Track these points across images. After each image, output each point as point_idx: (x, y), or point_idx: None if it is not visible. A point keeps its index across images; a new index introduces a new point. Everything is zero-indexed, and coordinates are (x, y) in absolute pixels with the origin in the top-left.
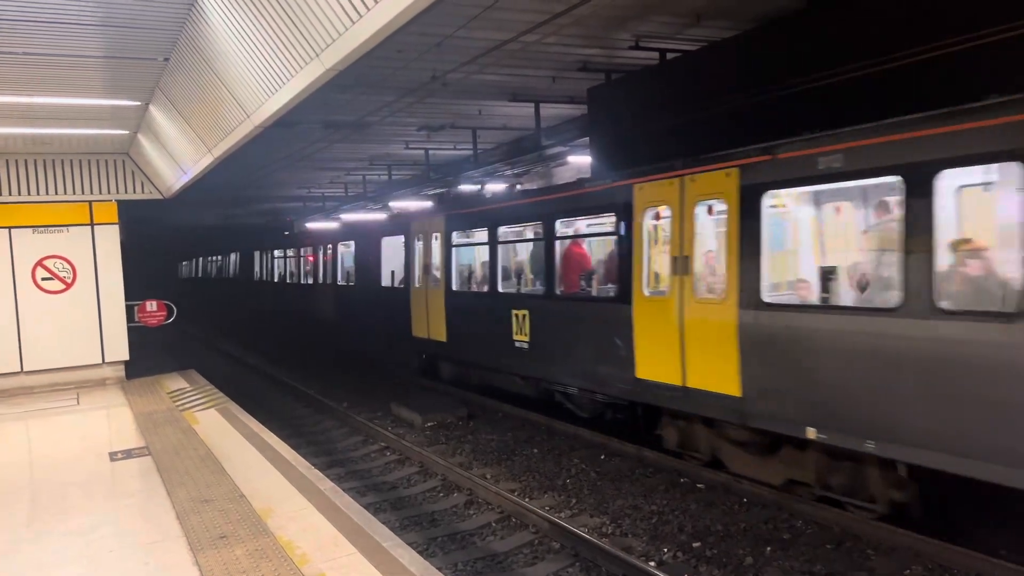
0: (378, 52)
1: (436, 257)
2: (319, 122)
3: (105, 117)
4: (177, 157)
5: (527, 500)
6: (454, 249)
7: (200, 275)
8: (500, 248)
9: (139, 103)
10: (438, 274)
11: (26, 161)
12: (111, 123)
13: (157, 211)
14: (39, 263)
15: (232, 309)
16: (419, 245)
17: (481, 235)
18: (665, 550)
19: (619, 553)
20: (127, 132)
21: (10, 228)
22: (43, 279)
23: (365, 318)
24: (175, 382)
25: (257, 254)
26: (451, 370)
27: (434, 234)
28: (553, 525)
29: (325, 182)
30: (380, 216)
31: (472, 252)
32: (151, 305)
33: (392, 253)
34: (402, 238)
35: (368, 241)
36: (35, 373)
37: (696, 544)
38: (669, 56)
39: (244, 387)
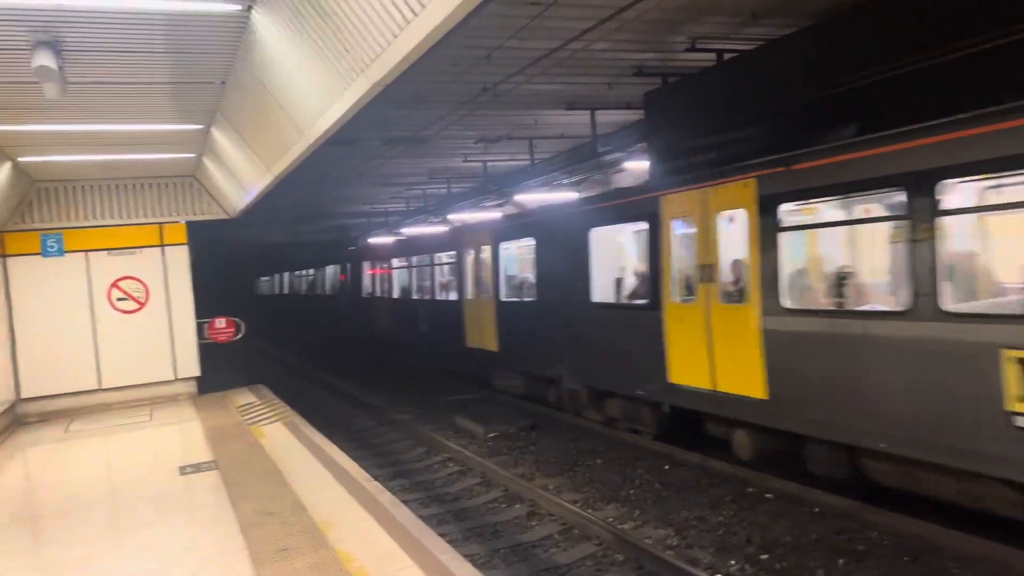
0: (429, 66)
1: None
2: (379, 138)
3: (172, 141)
4: (240, 177)
5: (590, 511)
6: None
7: (272, 292)
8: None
9: (202, 126)
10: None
11: (99, 186)
12: (177, 147)
13: (226, 230)
14: (114, 284)
15: (300, 325)
16: (470, 257)
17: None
18: (732, 563)
19: (685, 566)
20: (193, 155)
21: (87, 251)
22: (118, 299)
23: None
24: (244, 397)
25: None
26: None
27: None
28: (617, 537)
29: (387, 197)
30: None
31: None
32: (220, 322)
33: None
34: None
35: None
36: (112, 390)
37: (764, 556)
38: (726, 56)
39: (312, 400)
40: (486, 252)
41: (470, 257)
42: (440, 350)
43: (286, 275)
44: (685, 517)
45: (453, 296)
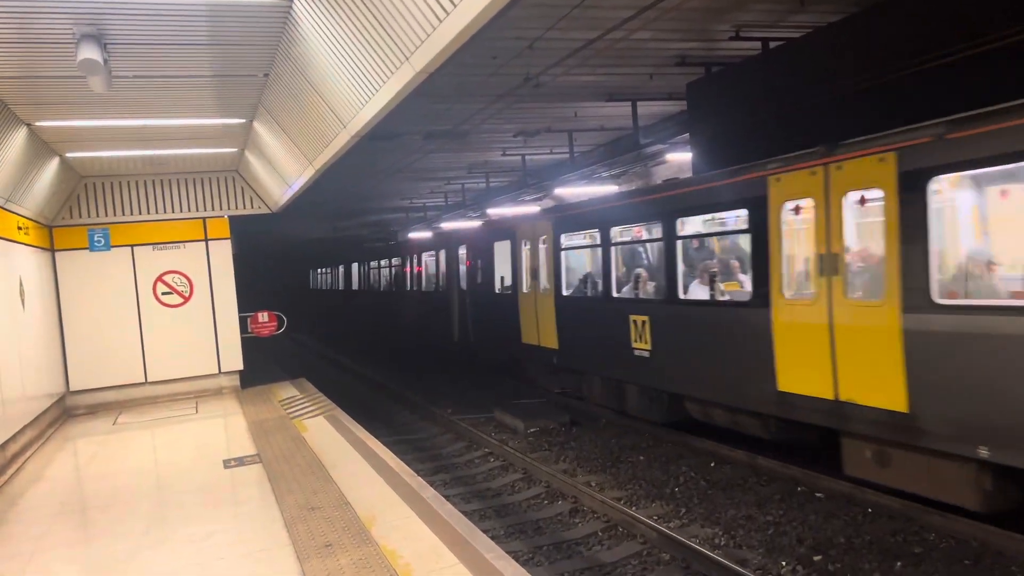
0: (470, 57)
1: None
2: (419, 132)
3: (214, 136)
4: (282, 171)
5: (634, 509)
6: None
7: (330, 286)
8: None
9: (244, 120)
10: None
11: (144, 182)
12: (220, 142)
13: (270, 224)
14: (159, 278)
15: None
16: (526, 250)
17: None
18: (783, 563)
19: (734, 566)
20: (235, 150)
21: (132, 246)
22: (163, 294)
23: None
24: (286, 391)
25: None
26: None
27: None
28: (662, 535)
29: (426, 192)
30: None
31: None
32: (263, 316)
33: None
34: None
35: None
36: (158, 384)
37: (817, 558)
38: (772, 45)
39: (355, 394)
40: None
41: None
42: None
43: (353, 267)
44: (733, 516)
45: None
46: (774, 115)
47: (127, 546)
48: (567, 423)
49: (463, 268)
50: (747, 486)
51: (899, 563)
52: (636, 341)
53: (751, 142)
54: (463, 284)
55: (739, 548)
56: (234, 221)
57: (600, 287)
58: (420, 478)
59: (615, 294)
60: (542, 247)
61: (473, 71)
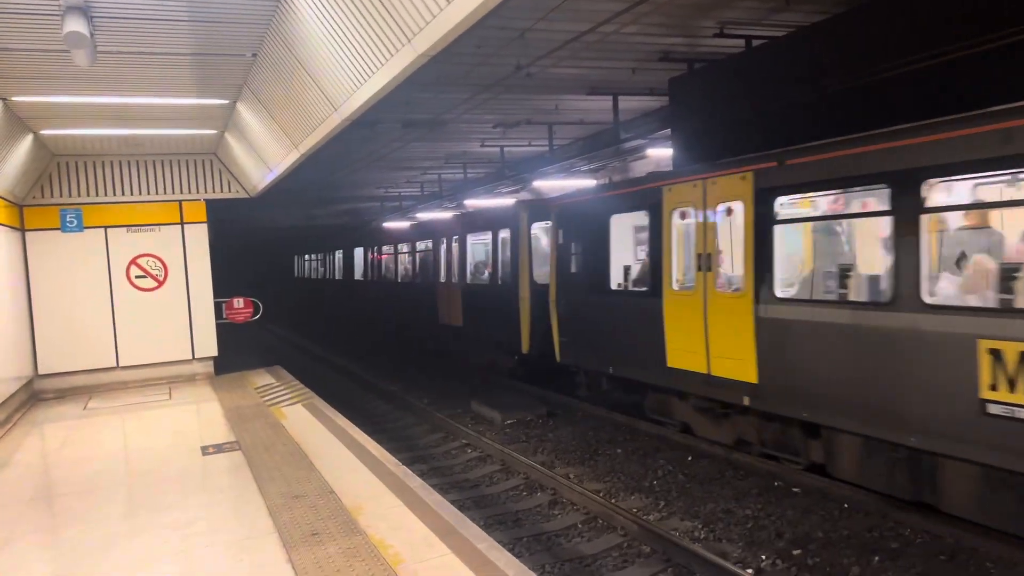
0: (455, 46)
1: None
2: (398, 121)
3: (195, 116)
4: (264, 155)
5: (613, 501)
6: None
7: (325, 274)
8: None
9: (227, 101)
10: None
11: (120, 162)
12: (200, 123)
13: (247, 209)
14: (133, 261)
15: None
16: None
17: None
18: (763, 557)
19: (715, 559)
20: (215, 132)
21: (106, 228)
22: (137, 277)
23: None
24: (262, 378)
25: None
26: None
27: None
28: (642, 528)
29: (402, 181)
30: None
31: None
32: (238, 302)
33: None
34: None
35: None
36: (130, 368)
37: (796, 551)
38: (755, 43)
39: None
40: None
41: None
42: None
43: (354, 253)
44: (712, 509)
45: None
46: (755, 112)
47: (105, 533)
48: (544, 415)
49: (538, 253)
50: (724, 480)
51: (876, 558)
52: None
53: (732, 138)
54: (537, 274)
55: (719, 541)
56: (211, 205)
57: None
58: (406, 468)
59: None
60: (727, 221)
61: (458, 61)
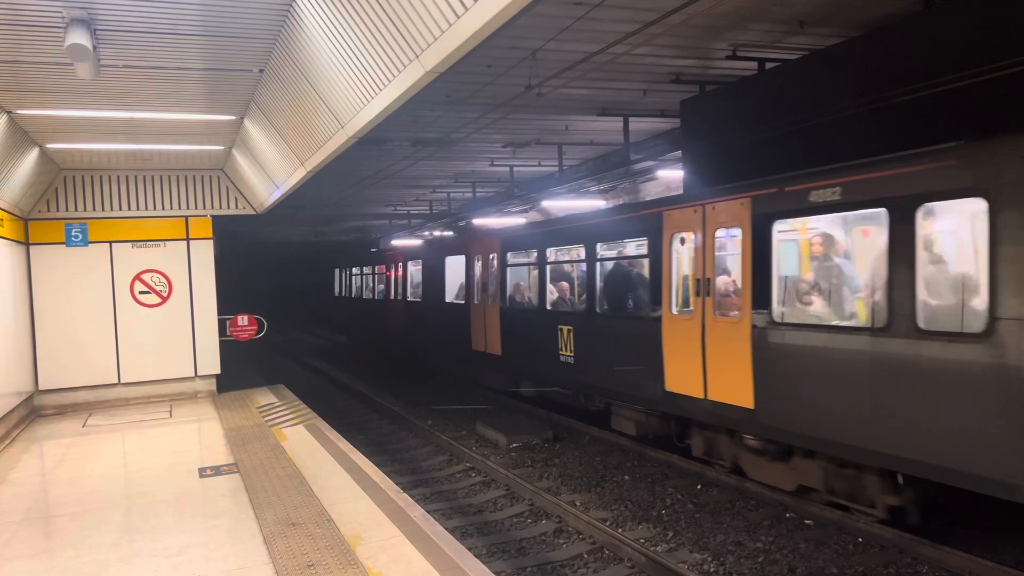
0: (466, 66)
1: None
2: (407, 139)
3: (202, 132)
4: (270, 172)
5: (620, 531)
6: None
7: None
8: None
9: (235, 117)
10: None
11: (127, 177)
12: (207, 139)
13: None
14: (137, 277)
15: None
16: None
17: None
18: None
19: None
20: (222, 148)
21: (111, 242)
22: (140, 292)
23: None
24: (264, 397)
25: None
26: None
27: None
28: (650, 560)
29: (411, 199)
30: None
31: None
32: (242, 319)
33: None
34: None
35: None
36: (131, 385)
37: None
38: (768, 66)
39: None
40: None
41: None
42: None
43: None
44: (722, 541)
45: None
46: (769, 134)
47: (96, 558)
48: (550, 438)
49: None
50: (735, 510)
51: None
52: None
53: (745, 161)
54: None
55: (729, 575)
56: (218, 220)
57: None
58: (407, 496)
59: None
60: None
61: (468, 80)
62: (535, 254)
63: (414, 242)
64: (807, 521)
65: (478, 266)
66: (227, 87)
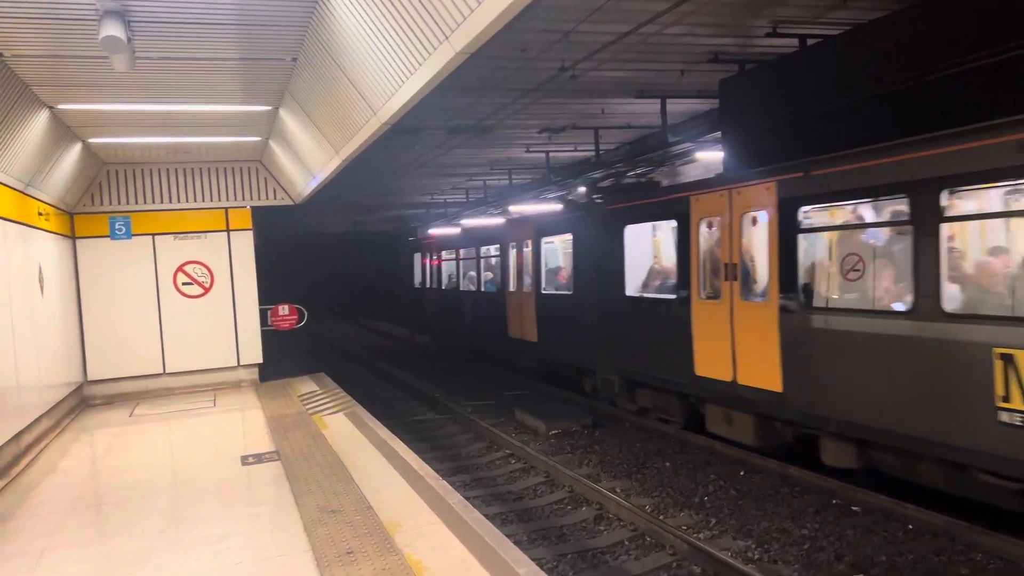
0: (498, 50)
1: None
2: (442, 127)
3: (239, 124)
4: (306, 161)
5: (662, 518)
6: None
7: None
8: None
9: (270, 107)
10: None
11: (167, 170)
12: (245, 130)
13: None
14: (180, 268)
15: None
16: None
17: None
18: None
19: None
20: (260, 139)
21: (153, 235)
22: (183, 284)
23: None
24: (306, 385)
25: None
26: None
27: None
28: (693, 547)
29: (447, 188)
30: None
31: None
32: (283, 309)
33: None
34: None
35: None
36: (176, 375)
37: None
38: (810, 42)
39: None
40: None
41: None
42: None
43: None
44: (766, 528)
45: None
46: (812, 113)
47: (140, 546)
48: (589, 425)
49: None
50: (779, 497)
51: None
52: None
53: (787, 140)
54: None
55: (774, 563)
56: (257, 211)
57: None
58: (445, 483)
59: None
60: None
61: (501, 65)
62: None
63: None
64: (854, 508)
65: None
66: (262, 76)
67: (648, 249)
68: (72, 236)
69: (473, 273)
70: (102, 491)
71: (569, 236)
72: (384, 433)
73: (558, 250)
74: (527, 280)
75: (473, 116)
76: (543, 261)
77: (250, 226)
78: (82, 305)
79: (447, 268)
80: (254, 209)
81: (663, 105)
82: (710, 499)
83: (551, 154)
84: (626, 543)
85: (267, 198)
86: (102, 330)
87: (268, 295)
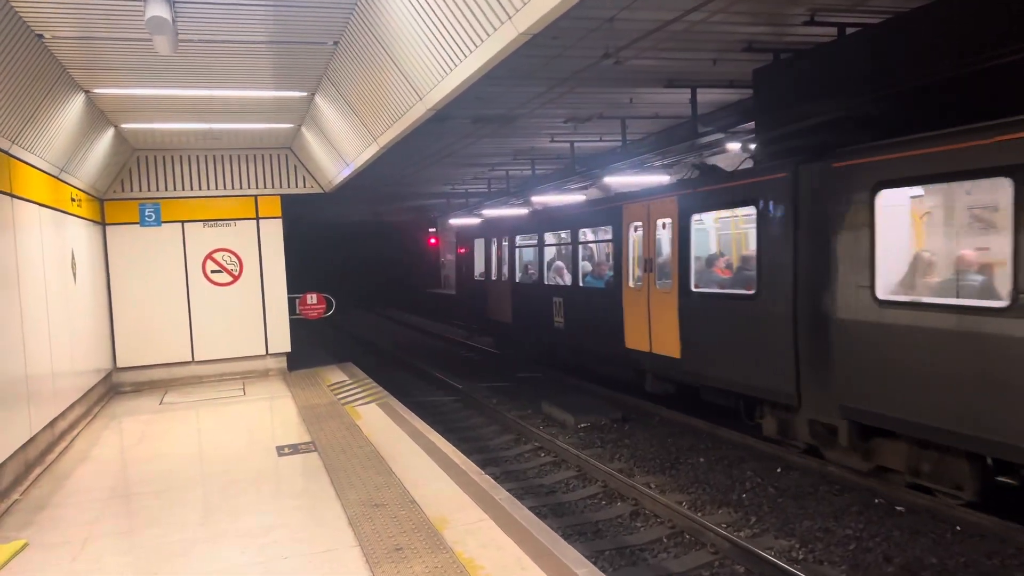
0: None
1: None
2: (469, 116)
3: (272, 110)
4: (340, 149)
5: (700, 515)
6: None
7: None
8: None
9: (306, 94)
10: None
11: (197, 157)
12: (277, 116)
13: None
14: (209, 256)
15: None
16: None
17: None
18: None
19: None
20: (292, 126)
21: (183, 222)
22: (212, 272)
23: None
24: (335, 375)
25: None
26: None
27: None
28: (735, 546)
29: (469, 178)
30: None
31: None
32: (311, 298)
33: None
34: None
35: None
36: (205, 363)
37: None
38: (848, 31)
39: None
40: None
41: None
42: None
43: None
44: (808, 527)
45: None
46: (853, 104)
47: (182, 538)
48: (619, 419)
49: None
50: (819, 495)
51: None
52: None
53: (824, 132)
54: None
55: (820, 564)
56: (286, 200)
57: None
58: (490, 478)
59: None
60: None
61: (534, 53)
62: None
63: None
64: (898, 508)
65: None
66: (300, 61)
67: None
68: (102, 222)
69: (561, 264)
70: (139, 480)
71: (751, 210)
72: (420, 425)
73: (721, 232)
74: (665, 273)
75: (501, 106)
76: (691, 247)
77: (279, 214)
78: (111, 291)
79: (528, 256)
80: (283, 197)
81: (693, 94)
82: (748, 496)
83: (576, 144)
84: (664, 540)
85: (296, 186)
86: (131, 317)
87: (293, 284)
